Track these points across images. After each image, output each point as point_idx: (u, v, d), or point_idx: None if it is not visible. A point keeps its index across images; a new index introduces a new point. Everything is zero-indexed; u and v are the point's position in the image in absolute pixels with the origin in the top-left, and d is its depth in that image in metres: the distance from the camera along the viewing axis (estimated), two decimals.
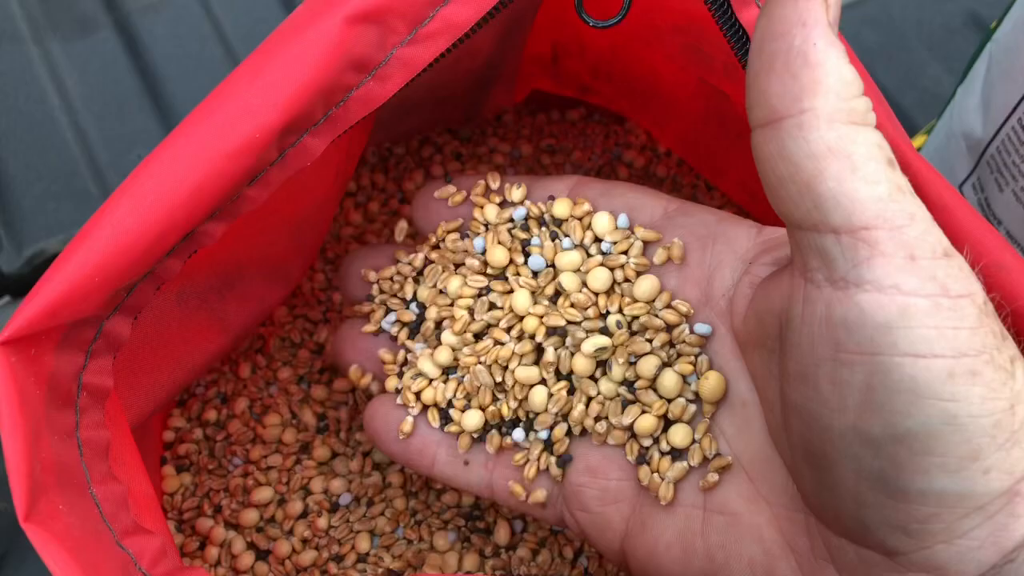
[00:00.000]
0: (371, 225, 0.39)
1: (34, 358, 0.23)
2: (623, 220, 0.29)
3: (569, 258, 0.29)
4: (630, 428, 0.28)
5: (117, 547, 0.24)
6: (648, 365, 0.27)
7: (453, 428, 0.30)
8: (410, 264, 0.32)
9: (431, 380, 0.30)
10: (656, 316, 0.28)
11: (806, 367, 0.22)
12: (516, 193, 0.30)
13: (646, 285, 0.28)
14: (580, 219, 0.29)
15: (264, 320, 0.35)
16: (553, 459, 0.29)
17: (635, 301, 0.28)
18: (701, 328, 0.27)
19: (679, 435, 0.27)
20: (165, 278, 0.24)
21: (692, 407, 0.27)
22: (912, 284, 0.20)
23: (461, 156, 0.40)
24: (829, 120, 0.21)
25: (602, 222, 0.29)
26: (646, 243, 0.29)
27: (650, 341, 0.27)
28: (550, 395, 0.28)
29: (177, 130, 0.24)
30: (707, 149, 0.39)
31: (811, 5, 0.21)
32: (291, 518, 0.33)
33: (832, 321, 0.21)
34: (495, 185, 0.31)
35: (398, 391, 0.31)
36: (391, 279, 0.32)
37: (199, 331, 0.30)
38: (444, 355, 0.29)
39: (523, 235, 0.30)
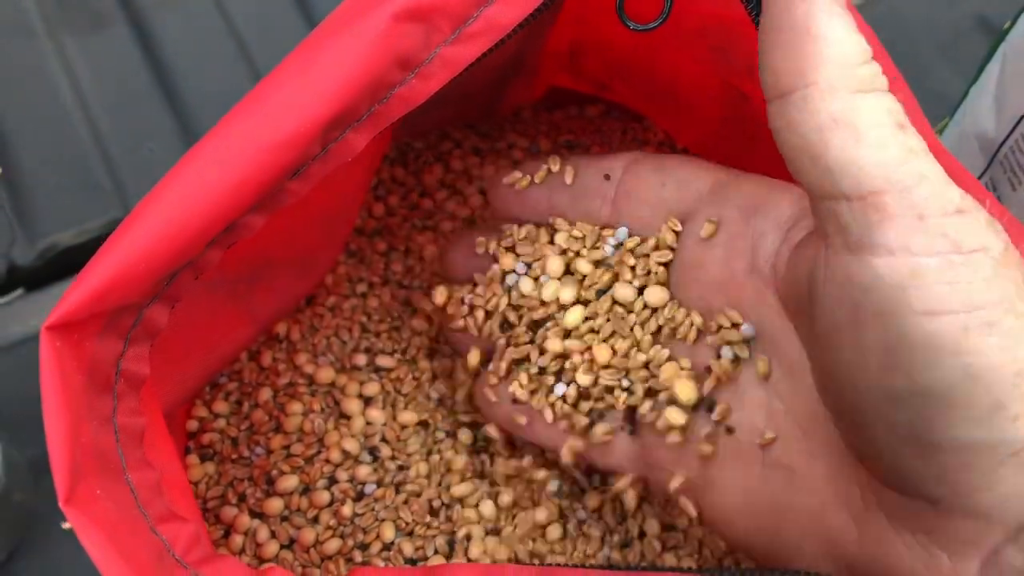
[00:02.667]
0: (391, 219, 0.40)
1: (77, 343, 0.23)
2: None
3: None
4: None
5: (152, 533, 0.25)
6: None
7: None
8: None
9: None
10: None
11: (829, 330, 0.23)
12: (568, 175, 0.32)
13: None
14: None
15: (290, 312, 0.36)
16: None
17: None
18: (747, 330, 0.28)
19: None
20: (204, 268, 0.25)
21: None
22: (921, 244, 0.21)
23: (480, 151, 0.41)
24: (831, 91, 0.21)
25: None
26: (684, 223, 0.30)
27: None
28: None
29: (224, 121, 0.24)
30: (725, 152, 0.39)
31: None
32: (316, 507, 0.33)
33: (850, 285, 0.22)
34: (556, 168, 0.32)
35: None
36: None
37: (227, 321, 0.30)
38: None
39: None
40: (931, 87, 0.52)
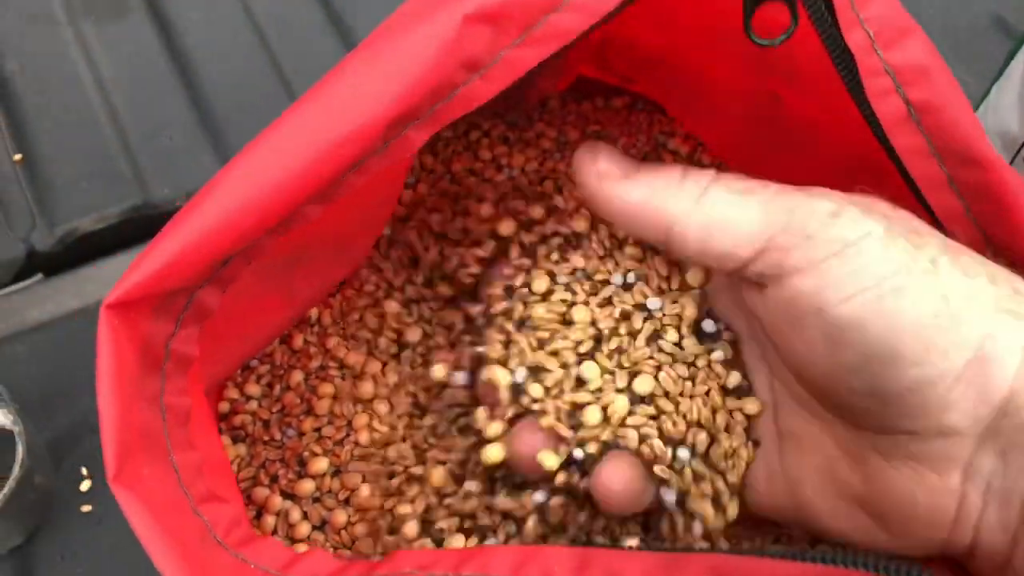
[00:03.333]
0: (422, 207, 0.40)
1: (133, 322, 0.23)
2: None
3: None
4: None
5: (194, 514, 0.25)
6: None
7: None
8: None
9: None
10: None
11: (780, 339, 0.27)
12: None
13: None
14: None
15: (326, 295, 0.36)
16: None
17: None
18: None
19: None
20: (258, 254, 0.25)
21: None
22: (820, 252, 0.25)
23: (508, 140, 0.41)
24: (685, 215, 0.27)
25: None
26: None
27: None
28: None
29: (289, 112, 0.24)
30: (748, 152, 0.40)
31: (601, 190, 0.28)
32: (348, 489, 0.34)
33: (780, 305, 0.26)
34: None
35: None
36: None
37: (267, 303, 0.30)
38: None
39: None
40: None
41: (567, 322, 0.30)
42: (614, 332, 0.30)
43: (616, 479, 0.29)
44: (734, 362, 0.30)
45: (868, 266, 0.25)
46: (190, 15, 0.56)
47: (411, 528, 0.32)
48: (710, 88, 0.37)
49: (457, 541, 0.32)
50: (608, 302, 0.30)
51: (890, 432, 0.26)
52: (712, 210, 0.27)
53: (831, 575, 0.24)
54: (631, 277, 0.31)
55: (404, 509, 0.33)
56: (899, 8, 0.27)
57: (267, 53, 0.54)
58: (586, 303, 0.30)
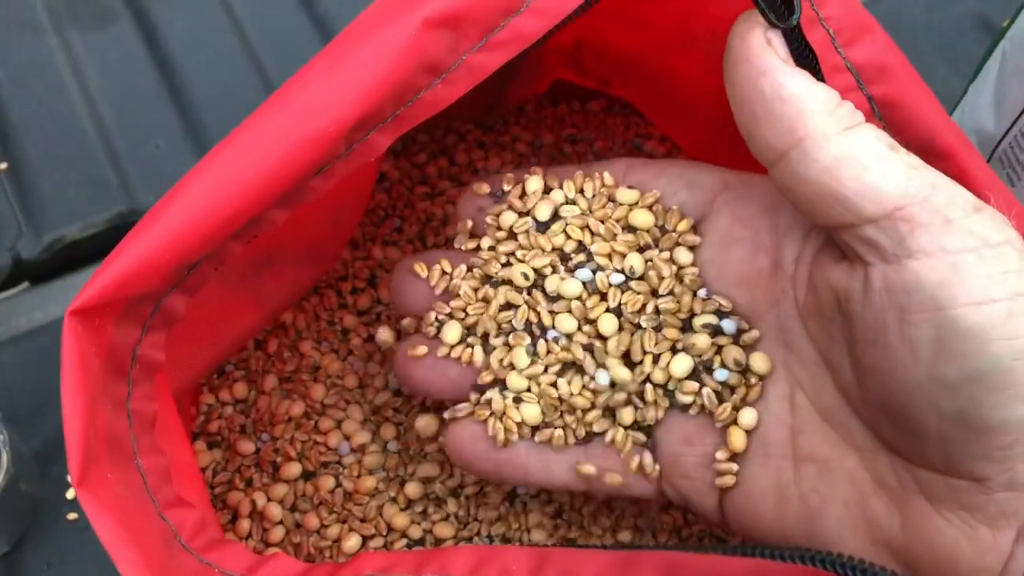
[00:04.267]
0: (394, 210, 0.40)
1: (98, 328, 0.24)
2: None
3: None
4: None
5: (159, 519, 0.25)
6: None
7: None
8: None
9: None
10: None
11: (876, 333, 0.24)
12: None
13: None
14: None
15: (297, 300, 0.36)
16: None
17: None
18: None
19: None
20: (225, 259, 0.25)
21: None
22: (955, 243, 0.23)
23: (484, 144, 0.41)
24: (824, 137, 0.24)
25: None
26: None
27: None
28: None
29: (252, 118, 0.24)
30: (724, 154, 0.39)
31: (761, 56, 0.24)
32: (320, 492, 0.34)
33: (893, 291, 0.23)
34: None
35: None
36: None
37: (236, 308, 0.30)
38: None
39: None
40: (932, 86, 0.52)
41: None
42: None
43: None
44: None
45: (1005, 276, 0.22)
46: (176, 23, 0.56)
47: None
48: (684, 90, 0.37)
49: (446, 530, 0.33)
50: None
51: (956, 474, 0.24)
52: (854, 147, 0.23)
53: (790, 572, 0.24)
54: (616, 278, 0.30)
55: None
56: (858, 6, 0.27)
57: (253, 60, 0.55)
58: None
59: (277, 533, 0.33)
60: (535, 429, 0.30)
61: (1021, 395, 0.22)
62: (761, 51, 0.24)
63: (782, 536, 0.28)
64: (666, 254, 0.29)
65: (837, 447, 0.27)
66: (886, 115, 0.27)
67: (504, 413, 0.30)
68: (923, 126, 0.27)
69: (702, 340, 0.29)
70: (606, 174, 0.31)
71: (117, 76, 0.54)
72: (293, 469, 0.34)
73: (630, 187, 0.30)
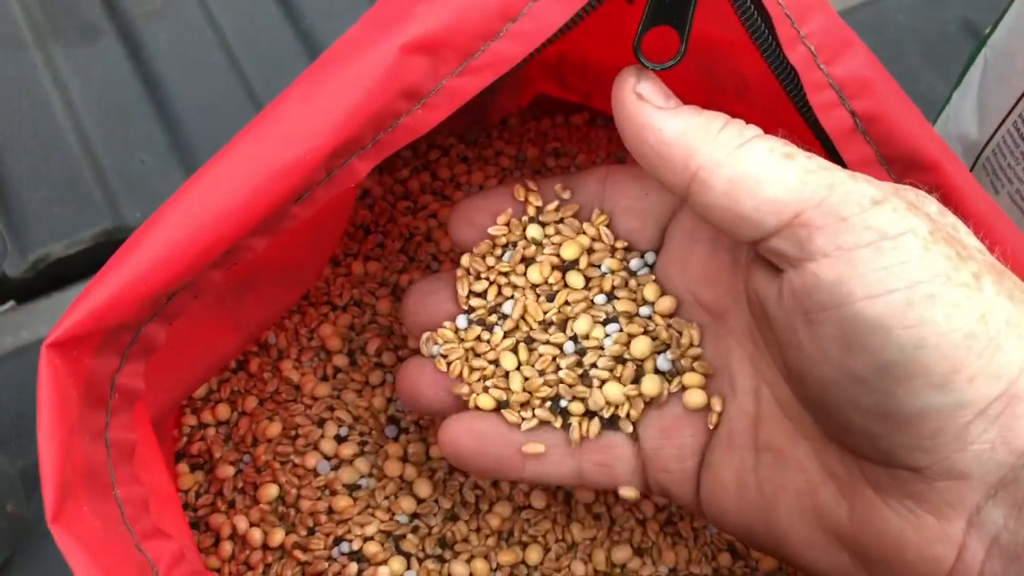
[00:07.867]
0: (376, 226, 0.40)
1: (75, 360, 0.23)
2: None
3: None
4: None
5: (136, 551, 0.25)
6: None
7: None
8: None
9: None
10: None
11: (789, 335, 0.25)
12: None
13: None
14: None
15: (276, 321, 0.36)
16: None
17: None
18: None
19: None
20: (205, 287, 0.25)
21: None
22: (851, 240, 0.23)
23: (467, 159, 0.41)
24: (715, 163, 0.24)
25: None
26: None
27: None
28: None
29: (230, 145, 0.24)
30: None
31: (635, 111, 0.26)
32: (305, 513, 0.34)
33: (797, 294, 0.24)
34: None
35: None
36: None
37: (215, 330, 0.30)
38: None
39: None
40: (917, 91, 0.52)
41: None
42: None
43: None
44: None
45: (904, 265, 0.22)
46: (159, 37, 0.56)
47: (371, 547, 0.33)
48: None
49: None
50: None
51: (893, 465, 0.24)
52: (745, 165, 0.24)
53: None
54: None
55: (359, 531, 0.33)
56: (839, 22, 0.27)
57: (238, 73, 0.54)
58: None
59: (257, 555, 0.33)
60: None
61: (932, 383, 0.22)
62: (634, 107, 0.26)
63: (745, 525, 0.28)
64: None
65: (791, 438, 0.27)
66: (870, 129, 0.27)
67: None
68: (906, 139, 0.27)
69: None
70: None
71: (101, 91, 0.54)
72: (273, 490, 0.34)
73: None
